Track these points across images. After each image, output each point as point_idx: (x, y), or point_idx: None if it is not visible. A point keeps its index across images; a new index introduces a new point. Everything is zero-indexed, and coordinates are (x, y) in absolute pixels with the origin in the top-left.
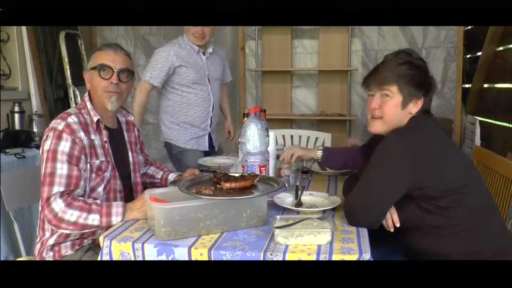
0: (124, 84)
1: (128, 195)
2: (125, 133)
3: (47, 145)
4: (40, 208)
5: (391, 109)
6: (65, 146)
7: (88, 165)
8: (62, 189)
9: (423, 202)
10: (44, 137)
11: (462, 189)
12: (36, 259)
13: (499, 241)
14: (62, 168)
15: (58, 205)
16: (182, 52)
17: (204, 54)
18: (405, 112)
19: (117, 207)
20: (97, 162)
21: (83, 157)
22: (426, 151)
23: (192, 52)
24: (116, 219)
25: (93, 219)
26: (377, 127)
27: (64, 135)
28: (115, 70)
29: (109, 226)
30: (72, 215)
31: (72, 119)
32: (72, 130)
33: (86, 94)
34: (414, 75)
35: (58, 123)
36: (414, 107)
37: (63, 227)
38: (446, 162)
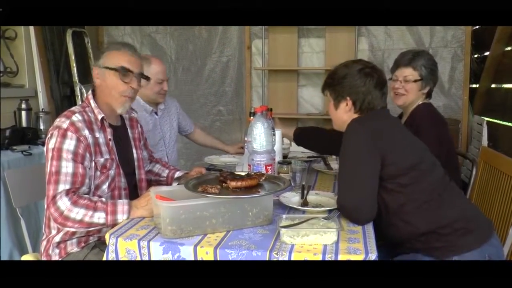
0: (137, 88)
1: (133, 192)
2: (128, 130)
3: (51, 143)
4: (45, 205)
5: (331, 111)
6: (70, 144)
7: (93, 163)
8: (67, 187)
9: (387, 182)
10: (49, 135)
11: (420, 166)
12: (42, 256)
13: (458, 207)
14: (67, 167)
15: (64, 203)
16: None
17: (157, 114)
18: (341, 111)
19: (122, 205)
20: (102, 160)
21: (87, 155)
22: (385, 132)
23: (145, 114)
24: (121, 217)
25: (99, 217)
26: (335, 126)
27: (69, 133)
28: (135, 75)
29: (114, 224)
30: (78, 213)
31: (76, 117)
32: (77, 128)
33: (90, 91)
34: (333, 79)
35: (62, 122)
36: (347, 107)
37: (69, 225)
38: (404, 142)
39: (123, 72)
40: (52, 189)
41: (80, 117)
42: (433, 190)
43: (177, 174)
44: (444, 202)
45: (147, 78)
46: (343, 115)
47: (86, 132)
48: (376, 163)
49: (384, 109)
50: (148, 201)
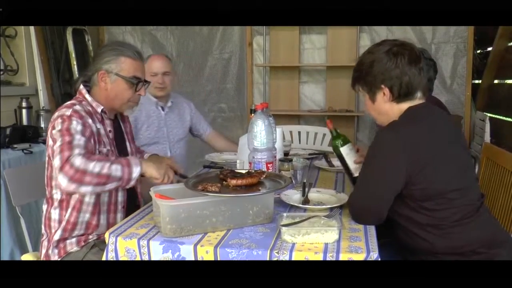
0: (144, 95)
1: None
2: (121, 124)
3: (57, 128)
4: (45, 203)
5: (369, 106)
6: (77, 126)
7: (97, 151)
8: (82, 152)
9: (408, 199)
10: (51, 127)
11: (450, 195)
12: (42, 257)
13: (485, 232)
14: (80, 140)
15: (78, 160)
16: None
17: (163, 109)
18: (380, 104)
19: (133, 159)
20: (105, 150)
21: (92, 142)
22: (421, 144)
23: (147, 106)
24: (136, 170)
25: (116, 169)
26: (378, 122)
27: (74, 119)
28: (144, 83)
29: (129, 179)
30: (94, 166)
31: (78, 107)
32: (81, 115)
33: (82, 87)
34: (361, 70)
35: (64, 111)
36: (385, 96)
37: (87, 181)
38: (437, 165)
39: (139, 82)
40: (66, 155)
41: (80, 108)
42: (461, 216)
43: (146, 155)
44: (471, 227)
45: (149, 82)
46: (383, 106)
47: (89, 121)
48: (399, 178)
49: (428, 106)
50: (161, 161)
